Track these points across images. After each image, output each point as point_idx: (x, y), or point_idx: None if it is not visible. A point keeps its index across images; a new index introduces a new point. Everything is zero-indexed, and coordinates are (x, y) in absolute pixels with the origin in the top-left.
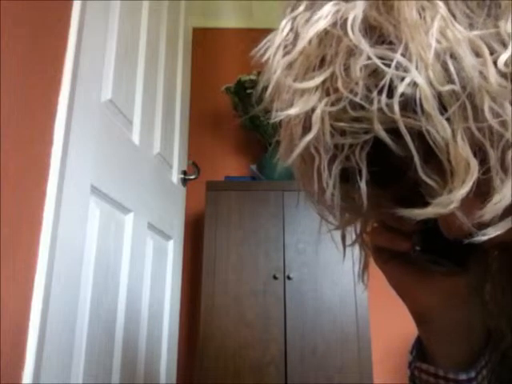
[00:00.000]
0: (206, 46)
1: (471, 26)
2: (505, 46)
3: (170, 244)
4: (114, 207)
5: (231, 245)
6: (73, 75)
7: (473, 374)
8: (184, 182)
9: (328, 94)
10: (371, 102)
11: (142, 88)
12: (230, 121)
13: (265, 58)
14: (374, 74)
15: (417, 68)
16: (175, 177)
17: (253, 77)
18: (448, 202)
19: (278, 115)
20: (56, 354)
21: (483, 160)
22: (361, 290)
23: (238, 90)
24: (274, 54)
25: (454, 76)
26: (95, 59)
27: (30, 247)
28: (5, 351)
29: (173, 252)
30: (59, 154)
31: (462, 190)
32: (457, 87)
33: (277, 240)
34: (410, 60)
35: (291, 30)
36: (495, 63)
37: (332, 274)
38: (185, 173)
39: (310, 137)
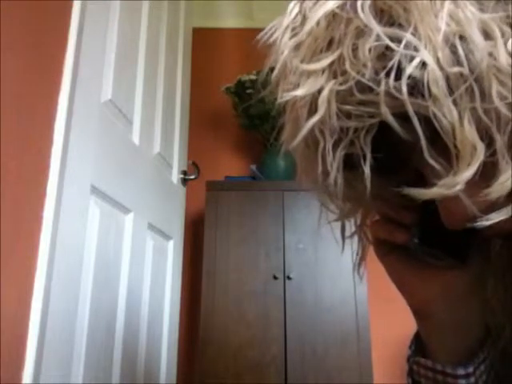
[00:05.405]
0: (206, 46)
1: (481, 11)
2: None
3: (170, 244)
4: (114, 207)
5: (231, 245)
6: (73, 75)
7: (471, 369)
8: (184, 181)
9: (335, 77)
10: (378, 85)
11: (141, 88)
12: (230, 121)
13: (272, 39)
14: (382, 57)
15: (426, 49)
16: (175, 177)
17: (253, 77)
18: (453, 183)
19: (284, 96)
20: (56, 354)
21: (490, 143)
22: (361, 290)
23: (237, 90)
24: (282, 36)
25: (463, 58)
26: (95, 59)
27: (29, 247)
28: (5, 351)
29: (173, 252)
30: (59, 154)
31: (468, 173)
32: (465, 70)
33: (277, 240)
34: (419, 41)
35: (299, 12)
36: (505, 45)
37: (332, 273)
38: (185, 173)
39: (316, 118)
